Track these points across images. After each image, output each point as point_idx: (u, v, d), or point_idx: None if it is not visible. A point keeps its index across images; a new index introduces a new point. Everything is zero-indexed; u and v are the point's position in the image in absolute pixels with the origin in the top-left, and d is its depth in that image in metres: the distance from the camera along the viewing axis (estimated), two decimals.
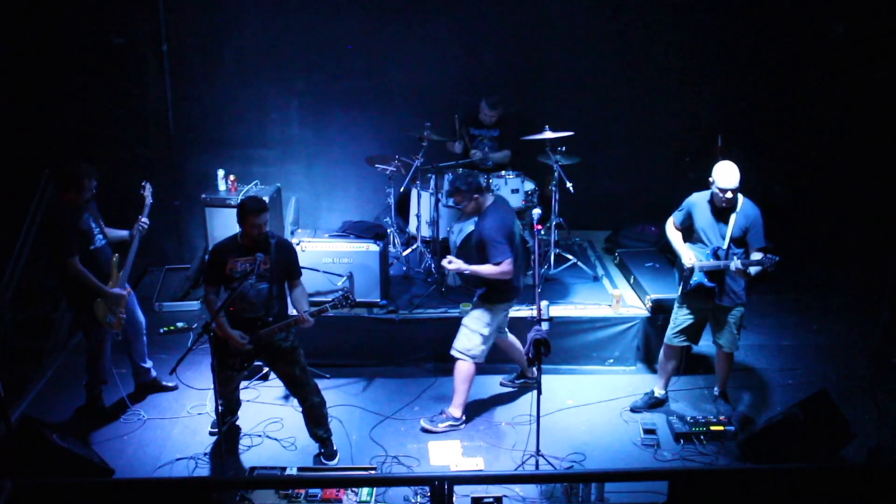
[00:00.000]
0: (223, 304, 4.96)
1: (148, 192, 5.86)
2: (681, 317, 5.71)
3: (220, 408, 5.35)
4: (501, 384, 6.27)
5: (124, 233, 5.82)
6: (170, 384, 6.14)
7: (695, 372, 6.33)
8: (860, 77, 7.99)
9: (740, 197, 5.40)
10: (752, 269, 5.29)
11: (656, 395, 5.98)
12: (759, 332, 7.09)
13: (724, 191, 5.30)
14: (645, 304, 6.62)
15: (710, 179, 5.37)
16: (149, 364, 6.12)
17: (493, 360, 6.02)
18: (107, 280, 5.58)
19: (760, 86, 8.15)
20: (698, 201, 5.55)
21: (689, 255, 5.50)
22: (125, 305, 5.70)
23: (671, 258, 6.67)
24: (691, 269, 5.47)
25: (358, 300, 6.56)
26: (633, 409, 5.97)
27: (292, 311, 5.36)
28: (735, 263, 5.27)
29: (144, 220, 5.76)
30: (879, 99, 7.95)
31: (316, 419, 5.39)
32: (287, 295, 5.35)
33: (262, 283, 5.13)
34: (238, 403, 5.70)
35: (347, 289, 5.32)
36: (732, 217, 5.39)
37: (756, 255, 5.33)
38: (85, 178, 5.45)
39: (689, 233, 5.67)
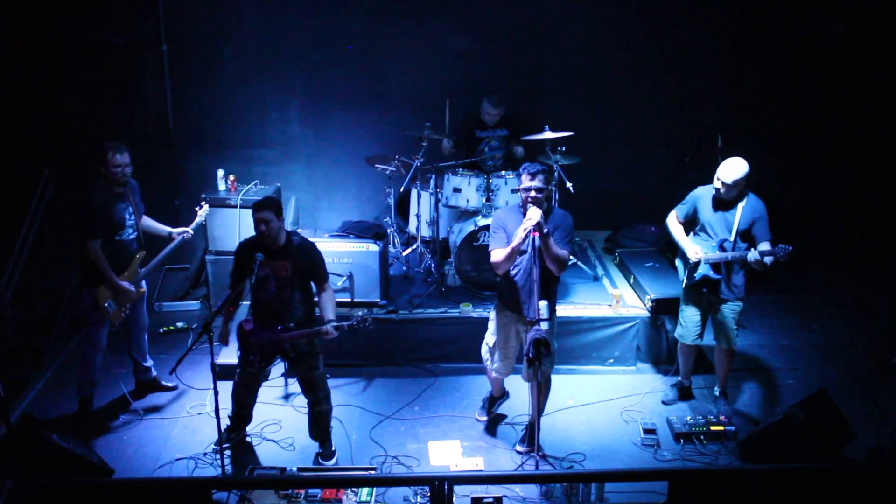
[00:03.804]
0: (224, 303, 4.93)
1: (204, 212, 6.06)
2: (690, 313, 5.76)
3: (229, 421, 5.37)
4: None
5: (164, 230, 5.86)
6: (169, 384, 6.14)
7: (695, 372, 6.31)
8: (860, 77, 8.00)
9: (746, 191, 5.47)
10: (767, 260, 5.31)
11: (685, 384, 6.09)
12: (759, 332, 7.10)
13: (721, 182, 5.38)
14: (645, 304, 6.62)
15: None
16: (149, 363, 6.12)
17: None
18: (121, 272, 5.57)
19: (760, 86, 8.15)
20: (704, 195, 5.60)
21: (696, 249, 5.53)
22: (132, 302, 5.69)
23: (671, 258, 6.67)
24: (697, 262, 5.51)
25: (358, 300, 6.58)
26: (665, 403, 6.05)
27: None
28: (753, 254, 5.28)
29: (190, 231, 5.85)
30: (879, 99, 7.96)
31: (319, 424, 5.38)
32: (312, 299, 5.28)
33: (284, 290, 5.08)
34: (249, 417, 5.56)
35: (368, 314, 5.20)
36: (738, 210, 5.44)
37: (765, 246, 5.37)
38: (108, 150, 5.41)
39: (689, 227, 5.73)
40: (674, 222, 5.75)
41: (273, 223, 4.99)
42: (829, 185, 8.28)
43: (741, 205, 5.44)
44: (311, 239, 6.55)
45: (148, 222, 5.84)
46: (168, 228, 5.89)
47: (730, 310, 5.62)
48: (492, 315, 5.47)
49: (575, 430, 5.75)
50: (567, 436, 5.67)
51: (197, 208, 6.10)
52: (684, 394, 6.11)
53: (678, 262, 5.81)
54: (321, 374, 5.31)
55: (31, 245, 6.84)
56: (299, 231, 7.43)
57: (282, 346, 5.16)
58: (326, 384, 5.37)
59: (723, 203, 5.49)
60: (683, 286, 5.73)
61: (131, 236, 5.65)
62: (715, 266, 5.50)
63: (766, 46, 8.04)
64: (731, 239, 5.45)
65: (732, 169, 5.35)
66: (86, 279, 5.61)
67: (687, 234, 5.71)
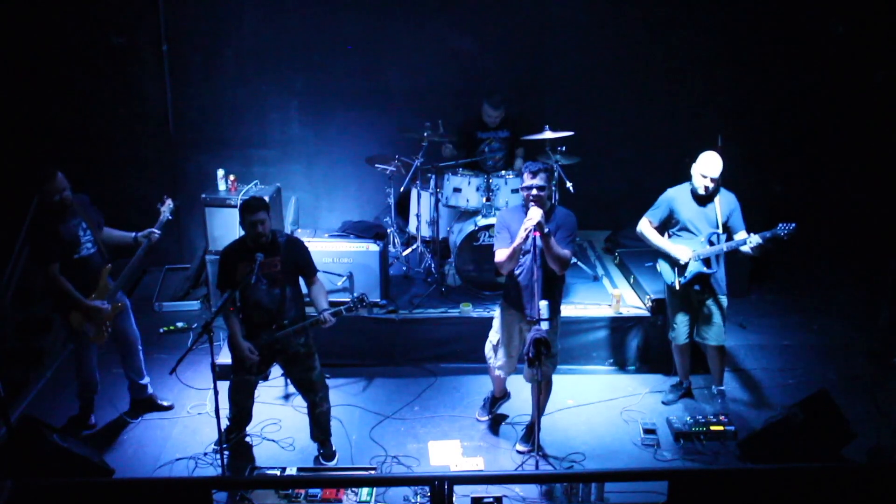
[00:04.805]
0: (222, 306, 4.92)
1: (167, 207, 5.64)
2: (682, 315, 5.77)
3: (228, 422, 5.35)
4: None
5: (128, 235, 5.56)
6: (165, 402, 5.95)
7: (694, 372, 6.32)
8: (860, 77, 8.00)
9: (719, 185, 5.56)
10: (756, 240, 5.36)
11: (683, 385, 6.11)
12: (759, 332, 7.10)
13: (709, 178, 5.41)
14: (645, 304, 6.62)
15: (693, 170, 5.50)
16: (146, 380, 5.89)
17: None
18: (91, 290, 5.35)
19: (760, 86, 8.15)
20: (678, 195, 5.64)
21: (685, 250, 5.54)
22: (111, 319, 5.47)
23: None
24: (687, 262, 5.53)
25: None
26: (665, 403, 6.05)
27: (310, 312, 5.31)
28: (755, 239, 5.29)
29: (156, 231, 5.52)
30: (879, 99, 7.95)
31: (321, 425, 5.38)
32: (302, 298, 5.28)
33: (275, 288, 5.08)
34: (249, 417, 5.52)
35: (364, 293, 5.27)
36: (717, 204, 5.51)
37: (742, 234, 5.46)
38: (38, 182, 5.15)
39: (661, 230, 5.74)
40: (648, 228, 5.74)
41: (268, 222, 5.03)
42: (830, 185, 8.28)
43: (717, 198, 5.52)
44: (310, 239, 6.62)
45: (110, 232, 5.56)
46: (132, 233, 5.54)
47: (720, 305, 5.66)
48: (497, 313, 5.50)
49: (575, 430, 5.76)
50: (567, 436, 5.67)
51: (159, 205, 5.64)
52: (684, 394, 6.12)
53: (662, 267, 5.79)
54: (319, 374, 5.30)
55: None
56: (299, 231, 7.48)
57: (278, 347, 5.15)
58: (325, 383, 5.37)
59: (700, 199, 5.54)
60: (676, 288, 5.69)
61: (91, 251, 5.36)
62: (706, 261, 5.53)
63: (766, 46, 8.03)
64: (721, 231, 5.50)
65: (715, 163, 5.42)
66: (57, 305, 5.40)
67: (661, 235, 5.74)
